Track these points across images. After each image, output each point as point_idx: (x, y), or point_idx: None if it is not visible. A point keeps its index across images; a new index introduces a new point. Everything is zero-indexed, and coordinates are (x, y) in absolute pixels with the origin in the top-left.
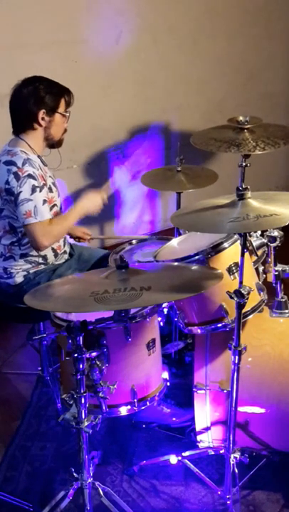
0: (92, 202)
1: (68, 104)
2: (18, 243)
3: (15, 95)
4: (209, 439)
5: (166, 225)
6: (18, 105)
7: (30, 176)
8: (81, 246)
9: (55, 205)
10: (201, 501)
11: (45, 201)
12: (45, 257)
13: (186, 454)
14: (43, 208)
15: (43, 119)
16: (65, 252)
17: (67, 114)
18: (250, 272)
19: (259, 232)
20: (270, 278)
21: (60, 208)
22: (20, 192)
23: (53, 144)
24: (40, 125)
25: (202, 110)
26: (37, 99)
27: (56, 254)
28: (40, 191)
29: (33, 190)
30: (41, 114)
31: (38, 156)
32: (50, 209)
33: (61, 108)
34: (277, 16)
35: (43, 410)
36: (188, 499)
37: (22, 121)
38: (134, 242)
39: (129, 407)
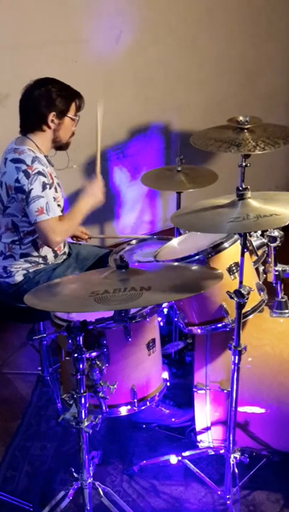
0: (94, 196)
1: (79, 109)
2: (19, 242)
3: (26, 95)
4: (209, 439)
5: (166, 225)
6: (29, 105)
7: (40, 173)
8: (78, 245)
9: (59, 205)
10: (201, 501)
11: (54, 198)
12: (45, 258)
13: (186, 454)
14: (54, 205)
15: (52, 121)
16: (64, 252)
17: (77, 118)
18: (250, 271)
19: (259, 232)
20: (271, 278)
21: (62, 209)
22: (32, 189)
23: (60, 146)
24: (49, 127)
25: (202, 110)
26: (48, 101)
27: (56, 255)
28: (50, 188)
29: (44, 186)
30: (51, 116)
31: (45, 156)
32: None
33: (71, 112)
34: (277, 16)
35: (43, 410)
36: (188, 499)
37: (31, 122)
38: (134, 242)
39: (129, 407)
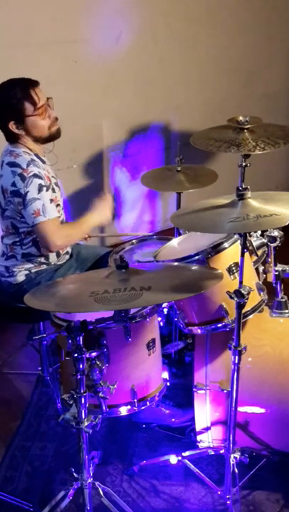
0: (101, 213)
1: (35, 102)
2: (20, 243)
3: None
4: (209, 439)
5: (166, 225)
6: None
7: (35, 175)
8: (78, 245)
9: (58, 204)
10: (201, 501)
11: (51, 200)
12: (47, 257)
13: (186, 454)
14: (51, 207)
15: (17, 128)
16: (67, 252)
17: (40, 111)
18: (250, 271)
19: (259, 232)
20: (270, 278)
21: (62, 208)
22: (28, 192)
23: (47, 139)
24: (20, 133)
25: (202, 110)
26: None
27: (58, 255)
28: (47, 190)
29: (40, 189)
30: (12, 126)
31: (37, 156)
32: None
33: (28, 110)
34: (277, 16)
35: (43, 410)
36: (188, 499)
37: (5, 135)
38: (134, 242)
39: (129, 407)
